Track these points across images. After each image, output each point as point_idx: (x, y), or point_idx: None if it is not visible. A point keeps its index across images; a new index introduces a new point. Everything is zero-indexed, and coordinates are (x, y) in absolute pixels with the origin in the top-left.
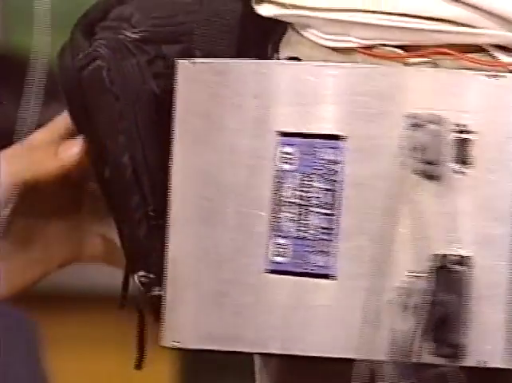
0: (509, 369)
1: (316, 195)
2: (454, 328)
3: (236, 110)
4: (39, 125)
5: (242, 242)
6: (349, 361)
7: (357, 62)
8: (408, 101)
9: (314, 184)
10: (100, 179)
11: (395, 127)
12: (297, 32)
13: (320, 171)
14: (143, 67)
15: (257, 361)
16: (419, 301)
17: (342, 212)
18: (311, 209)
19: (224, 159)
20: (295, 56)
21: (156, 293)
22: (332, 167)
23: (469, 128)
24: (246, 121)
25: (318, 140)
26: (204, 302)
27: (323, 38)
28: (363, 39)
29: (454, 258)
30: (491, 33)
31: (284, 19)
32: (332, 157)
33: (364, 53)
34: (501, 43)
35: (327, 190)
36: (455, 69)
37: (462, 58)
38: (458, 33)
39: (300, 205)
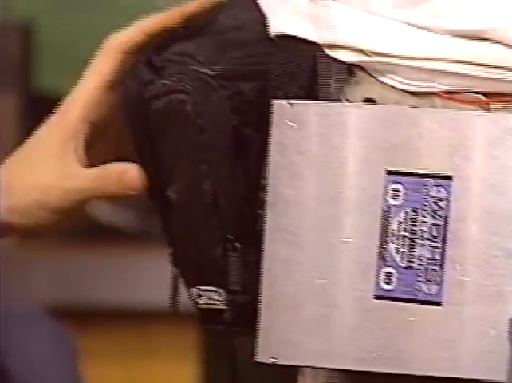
0: None
1: (422, 228)
2: None
3: (340, 149)
4: None
5: (348, 269)
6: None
7: (435, 106)
8: None
9: (421, 219)
10: (162, 197)
11: (503, 169)
12: (370, 75)
13: (427, 207)
14: (225, 101)
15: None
16: None
17: (448, 244)
18: (418, 241)
19: (325, 193)
20: (371, 97)
21: (218, 306)
22: (439, 203)
23: None
24: (352, 159)
25: (426, 179)
26: (305, 323)
27: (405, 84)
28: (446, 85)
29: None
30: None
31: (366, 66)
32: (439, 195)
33: (445, 98)
34: None
35: (433, 224)
36: None
37: None
38: None
39: (407, 237)
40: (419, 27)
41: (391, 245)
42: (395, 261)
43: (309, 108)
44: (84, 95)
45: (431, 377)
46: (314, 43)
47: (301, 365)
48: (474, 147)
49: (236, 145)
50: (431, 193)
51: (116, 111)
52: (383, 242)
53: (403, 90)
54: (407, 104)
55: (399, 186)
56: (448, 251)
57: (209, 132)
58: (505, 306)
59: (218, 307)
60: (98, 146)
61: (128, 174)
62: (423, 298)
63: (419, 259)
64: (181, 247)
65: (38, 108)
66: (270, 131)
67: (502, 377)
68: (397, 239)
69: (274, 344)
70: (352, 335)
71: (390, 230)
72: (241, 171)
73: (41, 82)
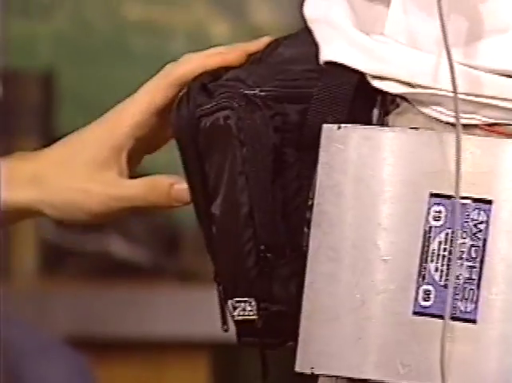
0: None
1: (462, 249)
2: None
3: (385, 171)
4: None
5: (388, 285)
6: None
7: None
8: None
9: (460, 240)
10: (205, 216)
11: None
12: (413, 106)
13: (466, 229)
14: (268, 120)
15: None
16: None
17: (485, 265)
18: (456, 261)
19: (367, 212)
20: (415, 127)
21: (251, 316)
22: (479, 225)
23: None
24: (397, 182)
25: (467, 202)
26: (344, 335)
27: (448, 115)
28: (488, 118)
29: None
30: None
31: (410, 97)
32: (478, 217)
33: (486, 130)
34: None
35: (472, 245)
36: None
37: None
38: None
39: (446, 257)
40: (460, 63)
41: (430, 264)
42: (434, 279)
43: (356, 132)
44: (134, 115)
45: None
46: (360, 72)
47: (339, 375)
48: None
49: (275, 162)
50: (471, 216)
51: (160, 133)
52: (423, 260)
53: (446, 122)
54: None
55: (441, 208)
56: (485, 272)
57: (249, 146)
58: None
59: (250, 318)
60: (137, 162)
61: (176, 186)
62: (460, 316)
63: (457, 278)
64: (220, 260)
65: None
66: (319, 153)
67: None
68: (437, 259)
69: (313, 355)
70: (389, 348)
71: (430, 250)
72: (278, 187)
73: (61, 127)
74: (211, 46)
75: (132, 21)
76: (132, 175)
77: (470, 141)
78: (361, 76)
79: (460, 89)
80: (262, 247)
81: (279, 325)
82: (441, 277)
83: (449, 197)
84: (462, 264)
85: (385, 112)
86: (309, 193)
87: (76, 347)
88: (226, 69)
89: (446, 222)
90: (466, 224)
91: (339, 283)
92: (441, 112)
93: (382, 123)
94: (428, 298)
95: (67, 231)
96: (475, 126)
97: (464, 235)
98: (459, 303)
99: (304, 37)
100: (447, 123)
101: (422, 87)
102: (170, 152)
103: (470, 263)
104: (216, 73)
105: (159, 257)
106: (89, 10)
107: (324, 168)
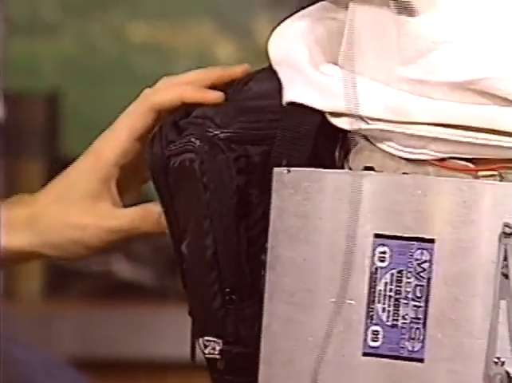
0: None
1: (407, 289)
2: None
3: (333, 213)
4: None
5: (339, 327)
6: None
7: (428, 173)
8: (494, 211)
9: (405, 280)
10: (177, 250)
11: (483, 234)
12: (371, 143)
13: (411, 269)
14: (231, 163)
15: None
16: None
17: (430, 304)
18: (403, 301)
19: (321, 256)
20: (370, 166)
21: (217, 356)
22: (423, 265)
23: None
24: (343, 223)
25: (411, 242)
26: (299, 378)
27: (400, 150)
28: (437, 152)
29: None
30: None
31: (365, 133)
32: (422, 257)
33: (437, 165)
34: None
35: (417, 285)
36: None
37: None
38: None
39: (393, 297)
40: (420, 82)
41: (377, 305)
42: (381, 319)
43: (304, 174)
44: (116, 144)
45: None
46: (320, 111)
47: None
48: (455, 212)
49: (239, 204)
50: (415, 256)
51: (143, 158)
52: (370, 302)
53: (399, 157)
54: (402, 173)
55: (385, 249)
56: (431, 311)
57: (212, 190)
58: (481, 364)
59: (217, 357)
60: (129, 189)
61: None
62: (407, 355)
63: (404, 318)
64: (190, 298)
65: None
66: (271, 196)
67: None
68: (384, 299)
69: None
70: None
71: (377, 291)
72: (243, 229)
73: (66, 148)
74: (216, 66)
75: (137, 42)
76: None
77: (411, 180)
78: (324, 115)
79: (409, 119)
80: (228, 290)
81: (244, 365)
82: (388, 317)
83: (393, 237)
84: (407, 303)
85: (346, 151)
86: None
87: (80, 368)
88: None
89: (391, 262)
90: (410, 264)
91: (294, 326)
92: (393, 147)
93: (342, 163)
94: (377, 338)
95: None
96: (426, 162)
97: (409, 275)
98: (407, 343)
99: (272, 72)
100: (401, 158)
101: (374, 121)
102: None
103: (415, 303)
104: (190, 108)
105: (163, 277)
106: (94, 31)
107: (277, 212)
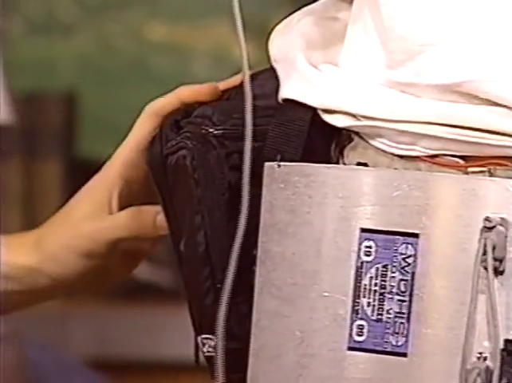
0: None
1: (392, 283)
2: None
3: (320, 208)
4: None
5: (325, 321)
6: None
7: (420, 169)
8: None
9: (390, 274)
10: (177, 250)
11: (467, 228)
12: (364, 139)
13: (395, 263)
14: (223, 159)
15: None
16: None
17: (414, 299)
18: (387, 295)
19: (309, 250)
20: (363, 162)
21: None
22: (407, 259)
23: None
24: (330, 218)
25: (396, 237)
26: (285, 373)
27: (391, 147)
28: (428, 149)
29: None
30: None
31: (356, 130)
32: (406, 251)
33: (428, 162)
34: None
35: (401, 279)
36: (508, 177)
37: None
38: None
39: (378, 292)
40: (409, 85)
41: (363, 299)
42: (366, 314)
43: (294, 169)
44: (122, 154)
45: None
46: (314, 108)
47: None
48: (439, 206)
49: (231, 200)
50: (400, 250)
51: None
52: (356, 296)
53: (391, 154)
54: (393, 168)
55: (371, 243)
56: (414, 305)
57: (203, 186)
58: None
59: (214, 354)
60: (133, 204)
61: (162, 215)
62: (391, 350)
63: (388, 313)
64: (187, 297)
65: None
66: (262, 191)
67: None
68: (369, 294)
69: None
70: None
71: (362, 285)
72: (235, 224)
73: (83, 149)
74: (235, 67)
75: (155, 42)
76: None
77: (398, 175)
78: (316, 112)
79: (399, 117)
80: (219, 286)
81: (239, 361)
82: (373, 311)
83: (378, 232)
84: (392, 298)
85: (341, 148)
86: None
87: (97, 369)
88: (200, 104)
89: (376, 257)
90: (395, 258)
91: (282, 321)
92: (385, 144)
93: (337, 159)
94: (362, 332)
95: None
96: (417, 158)
97: (393, 270)
98: (391, 337)
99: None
100: (393, 154)
101: (365, 118)
102: None
103: (400, 297)
104: (190, 108)
105: (181, 279)
106: (111, 31)
107: (267, 207)
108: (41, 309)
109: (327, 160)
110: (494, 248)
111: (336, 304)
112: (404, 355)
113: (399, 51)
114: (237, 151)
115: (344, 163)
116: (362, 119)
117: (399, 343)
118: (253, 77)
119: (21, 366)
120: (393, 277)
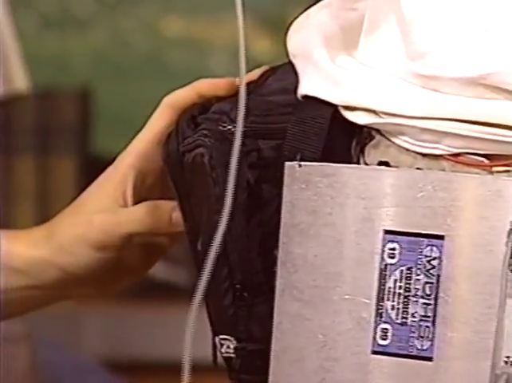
0: None
1: (416, 286)
2: None
3: (343, 209)
4: None
5: (348, 325)
6: None
7: (443, 168)
8: (505, 208)
9: (415, 277)
10: (193, 249)
11: (492, 230)
12: (386, 137)
13: (420, 266)
14: (241, 157)
15: None
16: None
17: (439, 302)
18: (412, 299)
19: (331, 252)
20: (385, 160)
21: (232, 354)
22: (432, 262)
23: None
24: (353, 219)
25: (420, 239)
26: (308, 376)
27: (414, 145)
28: (451, 147)
29: None
30: None
31: (379, 128)
32: (431, 254)
33: (451, 161)
34: None
35: (426, 282)
36: None
37: None
38: None
39: (402, 295)
40: (431, 77)
41: (387, 302)
42: (390, 317)
43: (315, 169)
44: (138, 146)
45: None
46: (334, 105)
47: None
48: (465, 208)
49: (250, 199)
50: (424, 252)
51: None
52: (380, 299)
53: (414, 152)
54: (416, 167)
55: (395, 245)
56: (439, 309)
57: (221, 184)
58: (491, 362)
59: (232, 356)
60: (147, 198)
61: (178, 211)
62: (416, 354)
63: (413, 316)
64: (205, 298)
65: (94, 170)
66: (283, 191)
67: None
68: (393, 297)
69: None
70: None
71: (386, 288)
72: (255, 224)
73: (98, 145)
74: (252, 61)
75: (171, 38)
76: None
77: (422, 175)
78: (337, 108)
79: (421, 114)
80: (238, 286)
81: (258, 363)
82: (397, 315)
83: (402, 233)
84: (417, 301)
85: (362, 146)
86: None
87: (111, 369)
88: (218, 99)
89: (400, 259)
90: (419, 261)
91: (304, 323)
92: (408, 142)
93: (358, 157)
94: (386, 336)
95: None
96: (440, 157)
97: (418, 272)
98: (416, 341)
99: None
100: (416, 153)
101: (387, 115)
102: None
103: (425, 300)
104: (207, 103)
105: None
106: (126, 26)
107: (288, 207)
108: (53, 309)
109: (347, 159)
110: None
111: (359, 307)
112: (430, 359)
113: (422, 42)
114: (256, 149)
115: (365, 162)
116: (384, 116)
117: (425, 347)
118: (272, 71)
119: (34, 367)
120: (418, 279)
